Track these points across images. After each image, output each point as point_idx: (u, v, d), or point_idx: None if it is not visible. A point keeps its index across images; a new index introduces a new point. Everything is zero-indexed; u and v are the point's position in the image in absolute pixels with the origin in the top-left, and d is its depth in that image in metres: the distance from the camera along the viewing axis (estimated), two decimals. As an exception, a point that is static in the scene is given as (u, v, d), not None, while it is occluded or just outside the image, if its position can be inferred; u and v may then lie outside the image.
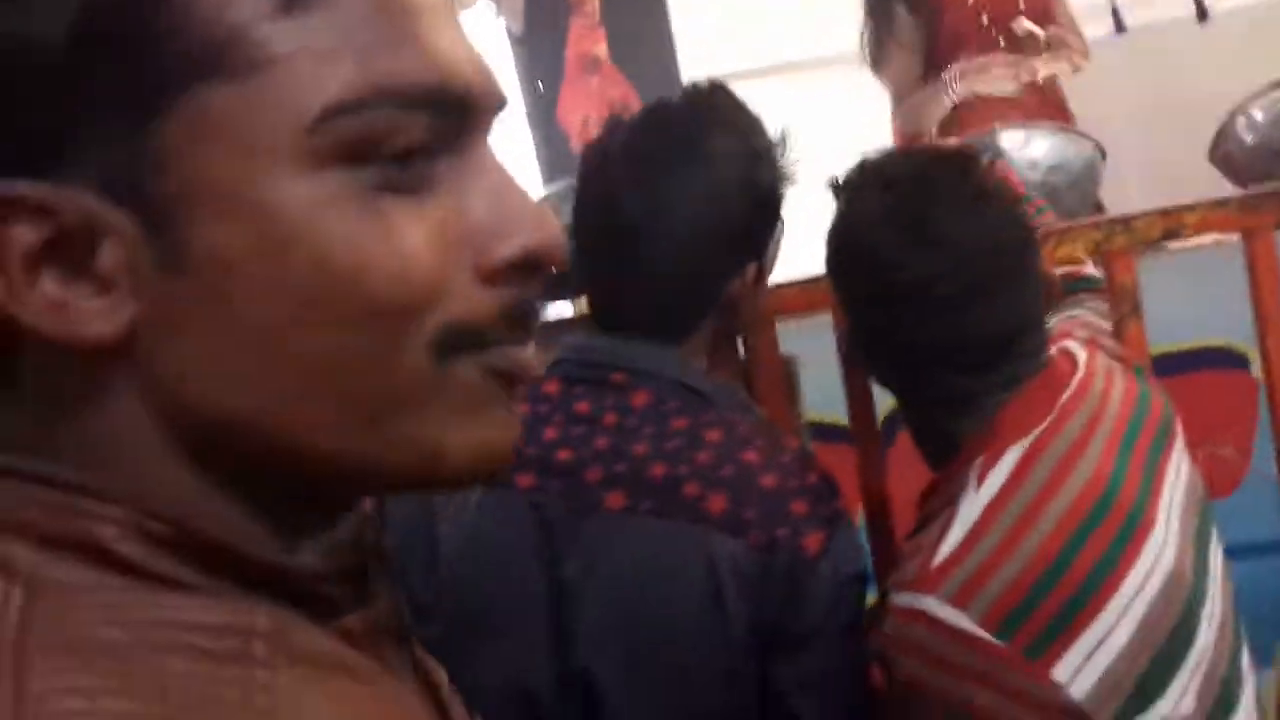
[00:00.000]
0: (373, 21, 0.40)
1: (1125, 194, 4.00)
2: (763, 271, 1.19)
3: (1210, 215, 1.27)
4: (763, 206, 1.14)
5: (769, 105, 1.27)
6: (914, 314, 1.07)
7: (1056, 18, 2.59)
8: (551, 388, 1.15)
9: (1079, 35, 2.66)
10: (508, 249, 0.43)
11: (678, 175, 1.09)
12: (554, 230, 0.43)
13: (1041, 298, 1.12)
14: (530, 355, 0.44)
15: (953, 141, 2.02)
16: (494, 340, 0.43)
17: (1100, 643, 0.99)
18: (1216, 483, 1.77)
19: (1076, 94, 3.95)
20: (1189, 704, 1.02)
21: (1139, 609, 1.01)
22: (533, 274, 0.43)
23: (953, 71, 2.48)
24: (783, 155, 1.15)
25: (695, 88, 1.17)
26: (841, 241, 1.13)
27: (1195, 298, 1.71)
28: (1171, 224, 1.27)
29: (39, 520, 0.38)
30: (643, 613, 1.05)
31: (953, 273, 1.05)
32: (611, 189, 1.12)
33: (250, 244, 0.39)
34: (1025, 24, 2.45)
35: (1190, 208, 1.27)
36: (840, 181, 1.16)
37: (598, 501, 1.08)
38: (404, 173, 0.41)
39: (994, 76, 2.46)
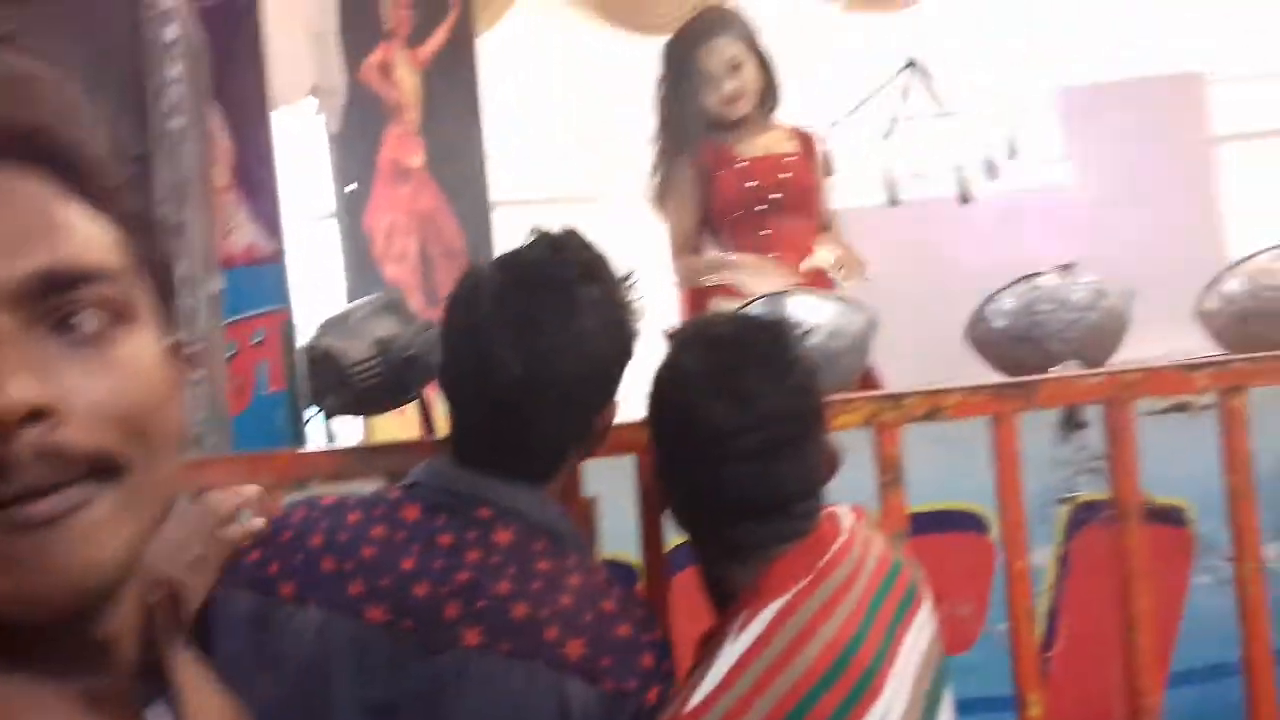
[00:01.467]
0: None
1: (893, 356, 4.40)
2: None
3: (968, 399, 1.44)
4: (627, 346, 1.20)
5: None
6: (715, 461, 1.18)
7: (821, 213, 2.90)
8: (410, 514, 1.14)
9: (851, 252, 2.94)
10: None
11: (553, 333, 1.12)
12: None
13: (824, 466, 1.25)
14: (23, 514, 0.50)
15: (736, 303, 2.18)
16: None
17: None
18: (954, 640, 1.94)
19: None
20: None
21: None
22: None
23: (737, 259, 2.75)
24: (631, 291, 1.21)
25: (550, 236, 1.20)
26: (662, 388, 1.23)
27: (942, 462, 1.90)
28: (935, 404, 1.43)
29: None
30: None
31: (754, 428, 1.16)
32: (487, 348, 1.13)
33: None
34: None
35: (950, 391, 1.44)
36: (672, 332, 1.28)
37: (454, 638, 1.08)
38: None
39: (772, 275, 2.68)
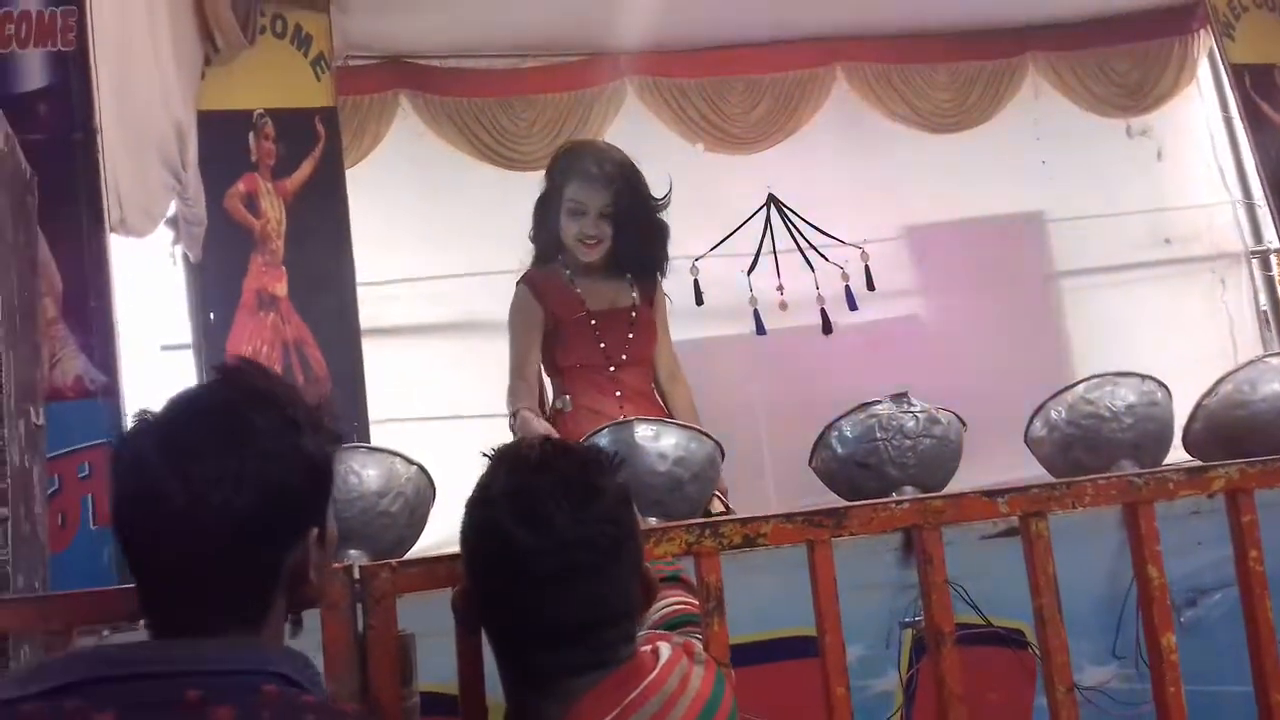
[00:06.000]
0: None
1: (761, 480, 4.47)
2: (325, 534, 1.15)
3: (781, 527, 1.47)
4: (313, 472, 1.12)
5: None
6: (515, 584, 1.19)
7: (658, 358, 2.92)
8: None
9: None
10: None
11: (220, 459, 1.05)
12: None
13: (636, 595, 1.26)
14: None
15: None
16: None
17: None
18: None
19: (722, 383, 4.41)
20: None
21: None
22: None
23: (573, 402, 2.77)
24: (327, 417, 1.15)
25: (223, 365, 1.15)
26: (471, 509, 1.25)
27: (778, 590, 1.92)
28: (750, 532, 1.46)
29: None
30: None
31: (552, 552, 1.17)
32: (151, 481, 1.05)
33: None
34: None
35: (766, 519, 1.47)
36: (489, 454, 1.30)
37: None
38: None
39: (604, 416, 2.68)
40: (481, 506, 1.24)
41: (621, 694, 1.18)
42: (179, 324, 3.78)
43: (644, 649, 1.26)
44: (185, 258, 3.74)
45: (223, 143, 3.77)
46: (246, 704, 1.00)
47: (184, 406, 1.10)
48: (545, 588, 1.18)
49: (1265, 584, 1.54)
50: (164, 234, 3.54)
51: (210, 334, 3.83)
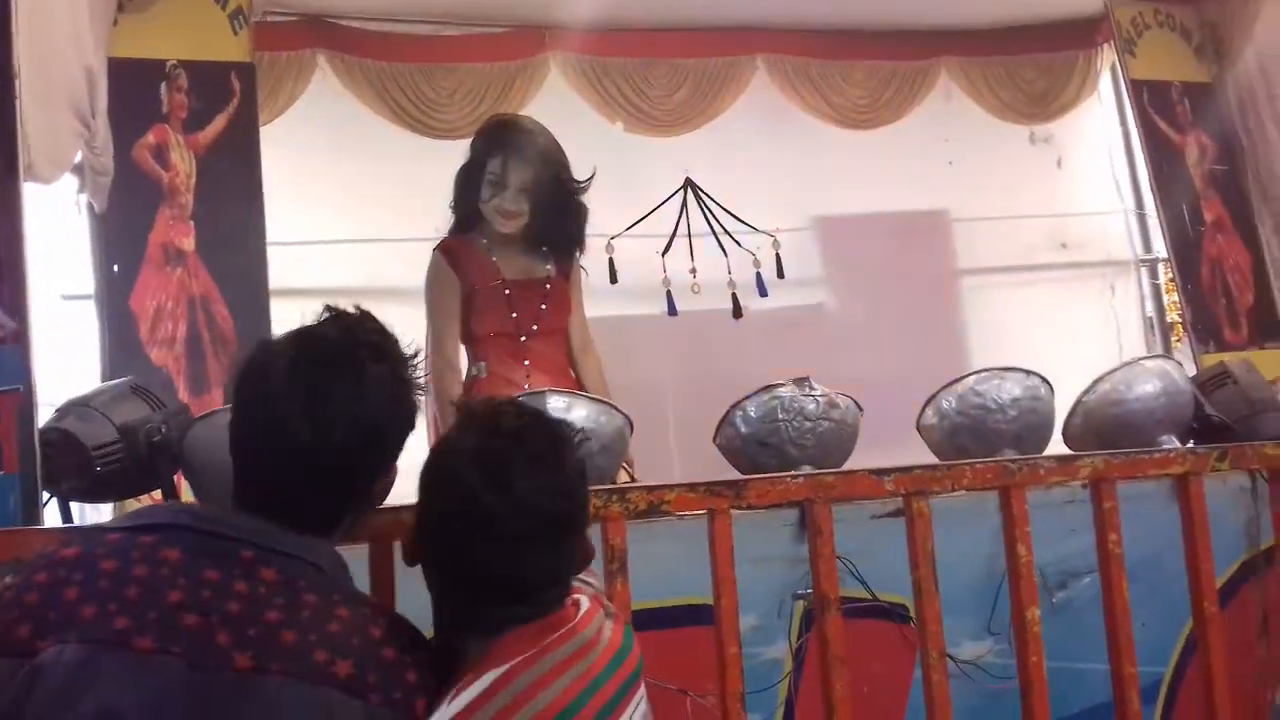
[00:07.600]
0: None
1: (667, 456, 4.55)
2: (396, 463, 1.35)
3: (684, 496, 1.55)
4: (409, 418, 1.32)
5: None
6: (474, 541, 1.25)
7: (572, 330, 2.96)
8: (171, 555, 1.17)
9: None
10: None
11: (339, 405, 1.24)
12: None
13: (575, 562, 1.33)
14: None
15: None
16: None
17: None
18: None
19: (632, 362, 4.47)
20: None
21: None
22: None
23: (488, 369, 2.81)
24: (415, 369, 1.33)
25: (344, 316, 1.32)
26: (438, 457, 1.31)
27: (679, 559, 2.00)
28: (655, 499, 1.53)
29: None
30: None
31: (514, 517, 1.24)
32: (278, 416, 1.23)
33: None
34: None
35: (670, 488, 1.55)
36: (460, 405, 1.38)
37: (226, 662, 1.12)
38: None
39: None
40: (449, 460, 1.30)
41: (543, 636, 1.25)
42: (81, 274, 3.69)
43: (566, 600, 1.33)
44: (90, 207, 3.65)
45: (133, 92, 3.68)
46: (287, 573, 1.19)
47: (313, 351, 1.27)
48: (500, 550, 1.24)
49: (1123, 565, 1.67)
50: (69, 182, 3.46)
51: (113, 286, 3.74)
